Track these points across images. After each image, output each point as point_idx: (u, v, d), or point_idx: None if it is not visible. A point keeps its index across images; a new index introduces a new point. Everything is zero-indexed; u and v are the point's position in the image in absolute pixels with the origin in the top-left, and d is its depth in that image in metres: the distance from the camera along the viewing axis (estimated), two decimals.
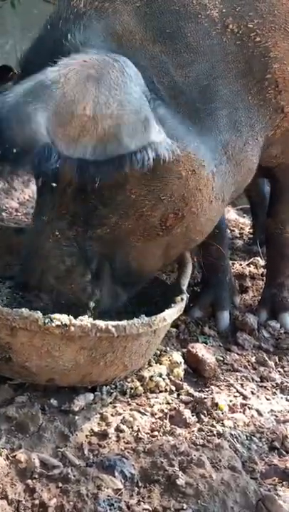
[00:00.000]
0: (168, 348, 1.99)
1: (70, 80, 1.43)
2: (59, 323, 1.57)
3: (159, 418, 1.71)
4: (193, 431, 1.68)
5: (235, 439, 1.68)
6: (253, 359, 2.08)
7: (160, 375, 1.84)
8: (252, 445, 1.68)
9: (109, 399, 1.74)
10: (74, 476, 1.48)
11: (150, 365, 1.88)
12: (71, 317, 1.59)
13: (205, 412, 1.76)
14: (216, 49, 1.68)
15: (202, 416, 1.75)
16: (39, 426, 1.62)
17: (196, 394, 1.82)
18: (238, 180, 1.82)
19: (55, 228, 1.69)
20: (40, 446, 1.56)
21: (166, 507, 1.44)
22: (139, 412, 1.72)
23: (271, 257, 2.35)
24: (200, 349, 1.97)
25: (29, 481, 1.46)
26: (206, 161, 1.67)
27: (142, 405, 1.75)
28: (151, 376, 1.83)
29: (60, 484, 1.46)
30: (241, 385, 1.93)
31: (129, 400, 1.76)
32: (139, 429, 1.65)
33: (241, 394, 1.88)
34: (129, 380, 1.81)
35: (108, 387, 1.77)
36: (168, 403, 1.77)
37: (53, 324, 1.57)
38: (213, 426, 1.71)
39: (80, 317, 1.61)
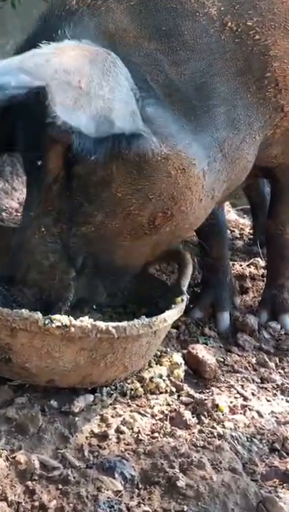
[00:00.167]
0: (168, 349, 1.98)
1: (65, 53, 1.43)
2: (59, 324, 1.56)
3: (160, 419, 1.71)
4: (193, 432, 1.68)
5: (235, 441, 1.67)
6: (254, 360, 2.07)
7: (160, 376, 1.84)
8: (252, 447, 1.67)
9: (109, 400, 1.73)
10: (74, 477, 1.47)
11: (150, 366, 1.87)
12: (71, 318, 1.58)
13: (205, 413, 1.75)
14: (214, 47, 1.68)
15: (202, 417, 1.74)
16: (39, 427, 1.61)
17: (197, 395, 1.82)
18: (232, 178, 1.82)
19: (41, 224, 1.68)
20: (40, 448, 1.56)
21: (167, 509, 1.43)
22: (140, 413, 1.71)
23: (271, 258, 2.34)
24: (200, 350, 1.96)
25: (29, 483, 1.45)
26: (198, 158, 1.66)
27: (142, 406, 1.74)
28: (152, 377, 1.82)
29: (60, 486, 1.45)
30: (242, 386, 1.92)
31: (130, 401, 1.76)
32: (139, 430, 1.64)
33: (242, 395, 1.87)
34: (129, 381, 1.80)
35: (108, 388, 1.76)
36: (168, 404, 1.77)
37: (53, 325, 1.56)
38: (213, 427, 1.70)
39: (81, 318, 1.60)
